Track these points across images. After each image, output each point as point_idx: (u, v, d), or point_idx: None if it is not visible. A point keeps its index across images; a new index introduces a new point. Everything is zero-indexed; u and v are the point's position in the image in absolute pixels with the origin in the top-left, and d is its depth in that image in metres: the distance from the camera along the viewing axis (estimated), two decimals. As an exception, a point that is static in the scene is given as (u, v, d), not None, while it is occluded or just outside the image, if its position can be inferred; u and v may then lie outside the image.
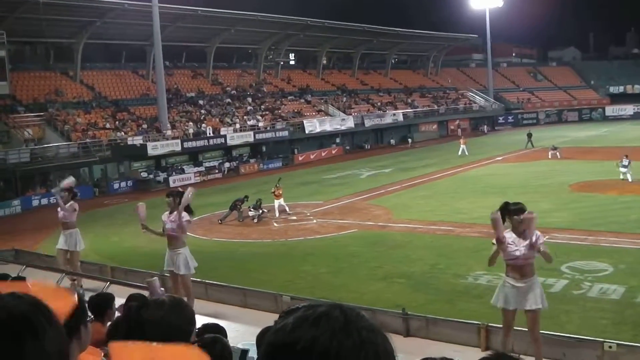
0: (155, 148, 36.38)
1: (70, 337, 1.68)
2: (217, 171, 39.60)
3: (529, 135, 42.74)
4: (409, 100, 61.42)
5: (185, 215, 10.29)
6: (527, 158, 36.09)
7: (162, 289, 5.63)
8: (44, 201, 29.43)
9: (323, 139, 48.92)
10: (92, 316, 4.73)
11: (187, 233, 10.99)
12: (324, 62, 61.66)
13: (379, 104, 57.88)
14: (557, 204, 20.71)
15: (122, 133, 37.50)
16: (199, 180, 36.08)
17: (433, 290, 12.53)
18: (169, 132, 38.28)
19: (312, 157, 45.75)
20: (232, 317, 10.62)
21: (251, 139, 42.38)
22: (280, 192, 22.68)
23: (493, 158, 37.34)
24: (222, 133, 40.92)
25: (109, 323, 4.83)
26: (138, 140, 36.49)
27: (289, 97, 53.19)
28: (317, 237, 18.67)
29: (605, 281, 12.30)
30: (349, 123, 50.44)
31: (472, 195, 23.71)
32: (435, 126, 60.45)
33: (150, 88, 43.73)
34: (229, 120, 44.28)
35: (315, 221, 21.28)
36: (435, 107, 61.58)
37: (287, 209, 22.67)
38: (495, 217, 7.27)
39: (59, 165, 31.84)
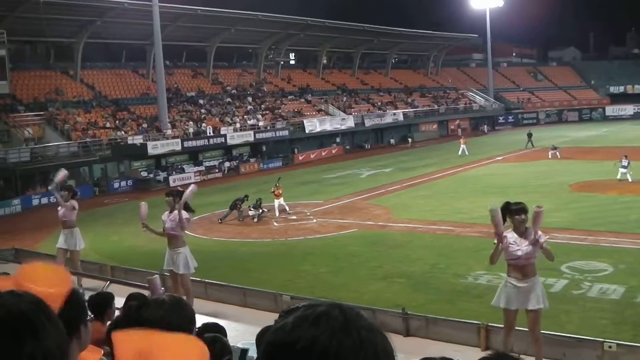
0: (156, 147, 36.38)
1: (70, 336, 1.68)
2: (217, 170, 39.60)
3: (529, 135, 42.74)
4: (409, 100, 61.42)
5: (185, 214, 10.33)
6: (527, 158, 36.09)
7: (162, 288, 5.63)
8: (44, 200, 29.43)
9: (323, 139, 48.91)
10: (92, 315, 4.73)
11: (187, 232, 11.00)
12: (324, 61, 61.66)
13: (379, 103, 57.88)
14: (557, 204, 20.69)
15: (122, 132, 37.50)
16: (199, 180, 36.04)
17: (433, 290, 12.53)
18: (169, 132, 38.28)
19: (312, 156, 45.75)
20: (232, 316, 10.62)
21: (251, 139, 42.38)
22: (280, 192, 22.69)
23: (493, 158, 37.34)
24: (222, 132, 40.91)
25: (108, 322, 4.83)
26: (138, 140, 36.49)
27: (289, 97, 53.18)
28: (317, 237, 18.67)
29: (605, 281, 12.31)
30: (349, 123, 50.44)
31: (472, 195, 23.71)
32: (435, 126, 60.45)
33: (151, 87, 43.73)
34: (229, 119, 44.28)
35: (315, 221, 21.28)
36: (436, 106, 61.57)
37: (287, 208, 22.68)
38: (494, 209, 7.31)
39: (59, 164, 31.74)
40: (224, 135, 40.55)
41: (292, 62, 63.10)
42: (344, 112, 52.81)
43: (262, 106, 48.95)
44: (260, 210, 22.11)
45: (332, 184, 30.58)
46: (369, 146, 51.80)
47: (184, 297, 5.77)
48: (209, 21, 45.55)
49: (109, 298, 5.29)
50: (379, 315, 9.60)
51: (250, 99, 49.82)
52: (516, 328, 7.79)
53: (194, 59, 52.53)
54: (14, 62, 37.34)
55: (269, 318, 5.08)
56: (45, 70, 41.44)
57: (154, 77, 41.88)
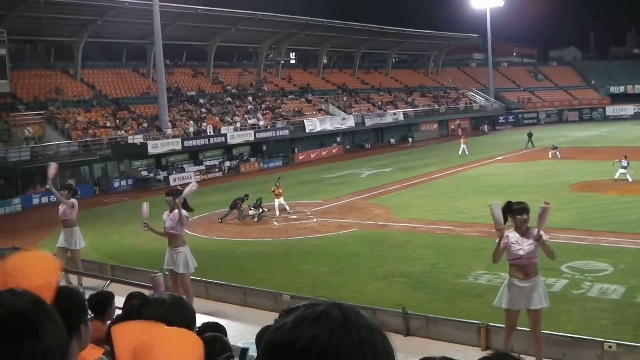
0: (156, 147, 36.38)
1: (70, 335, 1.68)
2: (217, 170, 39.60)
3: (530, 135, 42.73)
4: (410, 100, 61.41)
5: (184, 212, 10.38)
6: (528, 158, 36.09)
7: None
8: (44, 199, 29.42)
9: (323, 138, 48.91)
10: (92, 314, 4.73)
11: (187, 231, 11.02)
12: (325, 61, 61.67)
13: (379, 103, 57.87)
14: (557, 204, 20.57)
15: (123, 131, 37.50)
16: (199, 179, 36.01)
17: (433, 290, 12.53)
18: (169, 131, 38.28)
19: (312, 156, 45.75)
20: (232, 315, 10.63)
21: (251, 138, 42.38)
22: (280, 191, 22.69)
23: (493, 158, 37.33)
24: (222, 132, 40.91)
25: (109, 321, 4.84)
26: (138, 139, 36.49)
27: (290, 96, 53.18)
28: (317, 236, 18.66)
29: (605, 281, 12.30)
30: (350, 122, 50.44)
31: (472, 195, 23.70)
32: (435, 126, 60.45)
33: (151, 87, 43.73)
34: (229, 119, 44.28)
35: (315, 220, 21.28)
36: (436, 106, 61.57)
37: (287, 207, 22.68)
38: (493, 204, 7.35)
39: (60, 163, 31.75)
40: (224, 135, 40.55)
41: (293, 61, 63.10)
42: (344, 111, 52.81)
43: (263, 106, 48.95)
44: (261, 210, 22.11)
45: (333, 184, 30.58)
46: (369, 146, 51.79)
47: (184, 297, 5.76)
48: (210, 20, 45.54)
49: (109, 297, 5.29)
50: (379, 314, 9.61)
51: (250, 98, 49.82)
52: (517, 328, 7.80)
53: (194, 58, 52.54)
54: (14, 61, 37.34)
55: (269, 317, 5.08)
56: (45, 70, 41.45)
57: (155, 76, 41.88)
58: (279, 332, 1.05)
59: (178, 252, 10.53)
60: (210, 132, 40.37)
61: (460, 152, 39.28)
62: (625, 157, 25.27)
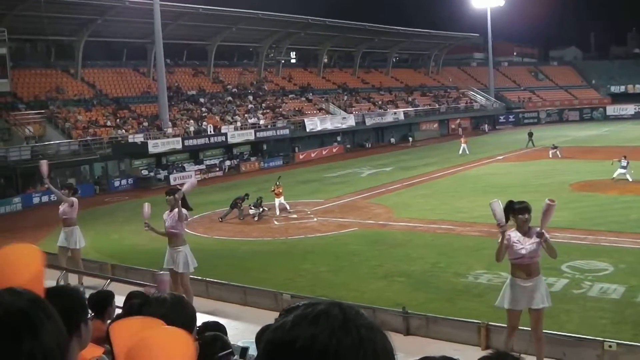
0: (156, 146, 36.39)
1: (70, 334, 1.68)
2: (217, 169, 39.60)
3: (530, 135, 42.71)
4: (410, 99, 61.40)
5: (183, 210, 10.42)
6: (528, 157, 36.08)
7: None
8: (45, 198, 29.41)
9: (324, 138, 48.90)
10: (93, 314, 4.74)
11: (187, 230, 11.04)
12: (325, 60, 61.66)
13: (380, 102, 57.87)
14: (558, 203, 20.52)
15: (123, 131, 37.52)
16: (199, 178, 36.02)
17: (433, 289, 12.53)
18: (169, 130, 38.29)
19: (312, 155, 45.76)
20: (232, 315, 10.64)
21: (252, 137, 42.38)
22: (280, 191, 22.69)
23: (494, 157, 37.32)
24: (222, 131, 40.91)
25: (109, 321, 4.84)
26: (139, 138, 36.50)
27: (290, 96, 53.18)
28: (318, 236, 18.66)
29: (605, 280, 12.30)
30: (350, 121, 50.43)
31: (472, 194, 23.69)
32: (436, 125, 60.43)
33: (151, 86, 43.74)
34: (229, 118, 44.29)
35: (315, 219, 21.28)
36: (436, 106, 61.55)
37: (287, 207, 22.68)
38: (494, 202, 7.35)
39: (60, 162, 31.84)
40: (225, 134, 40.55)
41: (293, 60, 63.11)
42: (345, 111, 52.81)
43: (263, 105, 48.95)
44: (261, 209, 22.11)
45: (333, 183, 30.58)
46: (370, 145, 51.79)
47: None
48: (210, 20, 45.53)
49: (109, 296, 5.29)
50: (379, 314, 9.61)
51: (251, 97, 49.82)
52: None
53: (194, 57, 52.54)
54: (15, 60, 37.36)
55: (269, 317, 5.08)
56: (45, 69, 41.46)
57: (155, 75, 41.88)
58: (279, 331, 1.05)
59: (178, 251, 10.55)
60: (210, 132, 40.37)
61: (460, 152, 39.27)
62: (625, 157, 25.24)
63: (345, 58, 64.96)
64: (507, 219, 7.44)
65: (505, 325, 7.92)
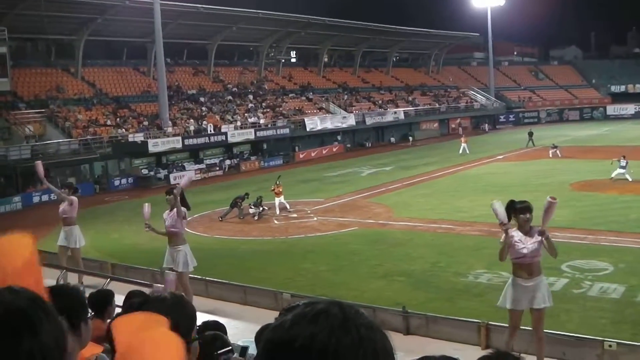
0: (156, 145, 36.39)
1: (70, 333, 1.68)
2: (217, 168, 39.59)
3: (530, 134, 42.69)
4: (410, 99, 61.38)
5: (182, 209, 10.44)
6: (528, 157, 36.08)
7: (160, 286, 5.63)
8: (45, 198, 29.40)
9: (324, 137, 48.90)
10: (92, 313, 4.73)
11: (187, 230, 11.04)
12: (325, 59, 61.64)
13: (380, 102, 57.86)
14: (558, 203, 20.65)
15: (123, 130, 37.51)
16: (199, 178, 36.05)
17: (433, 289, 12.53)
18: (169, 129, 38.28)
19: (313, 154, 45.76)
20: (232, 314, 10.64)
21: (252, 137, 42.38)
22: (280, 190, 22.69)
23: (494, 157, 37.32)
24: (223, 130, 40.90)
25: (109, 320, 4.84)
26: (139, 137, 36.50)
27: (290, 95, 53.17)
28: (318, 235, 18.67)
29: (605, 280, 12.30)
30: (350, 121, 50.43)
31: (472, 194, 23.69)
32: (436, 124, 60.42)
33: (151, 85, 43.74)
34: (229, 117, 44.28)
35: (315, 219, 21.28)
36: (437, 105, 61.53)
37: (287, 206, 22.68)
38: (495, 202, 7.36)
39: (60, 161, 31.85)
40: (225, 133, 40.55)
41: (293, 60, 63.10)
42: (345, 110, 52.80)
43: (263, 104, 48.94)
44: (261, 208, 22.11)
45: (333, 182, 30.58)
46: (370, 144, 51.79)
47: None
48: (211, 19, 45.51)
49: (109, 295, 5.29)
50: (379, 313, 9.61)
51: (251, 97, 49.81)
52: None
53: (195, 56, 52.53)
54: (15, 60, 37.36)
55: (269, 316, 5.08)
56: (46, 68, 41.45)
57: (155, 74, 41.89)
58: (279, 330, 1.05)
59: (178, 250, 10.56)
60: (210, 131, 40.37)
61: (460, 151, 39.26)
62: (624, 157, 25.22)
63: (346, 57, 64.95)
64: (509, 218, 7.45)
65: (506, 325, 7.92)
